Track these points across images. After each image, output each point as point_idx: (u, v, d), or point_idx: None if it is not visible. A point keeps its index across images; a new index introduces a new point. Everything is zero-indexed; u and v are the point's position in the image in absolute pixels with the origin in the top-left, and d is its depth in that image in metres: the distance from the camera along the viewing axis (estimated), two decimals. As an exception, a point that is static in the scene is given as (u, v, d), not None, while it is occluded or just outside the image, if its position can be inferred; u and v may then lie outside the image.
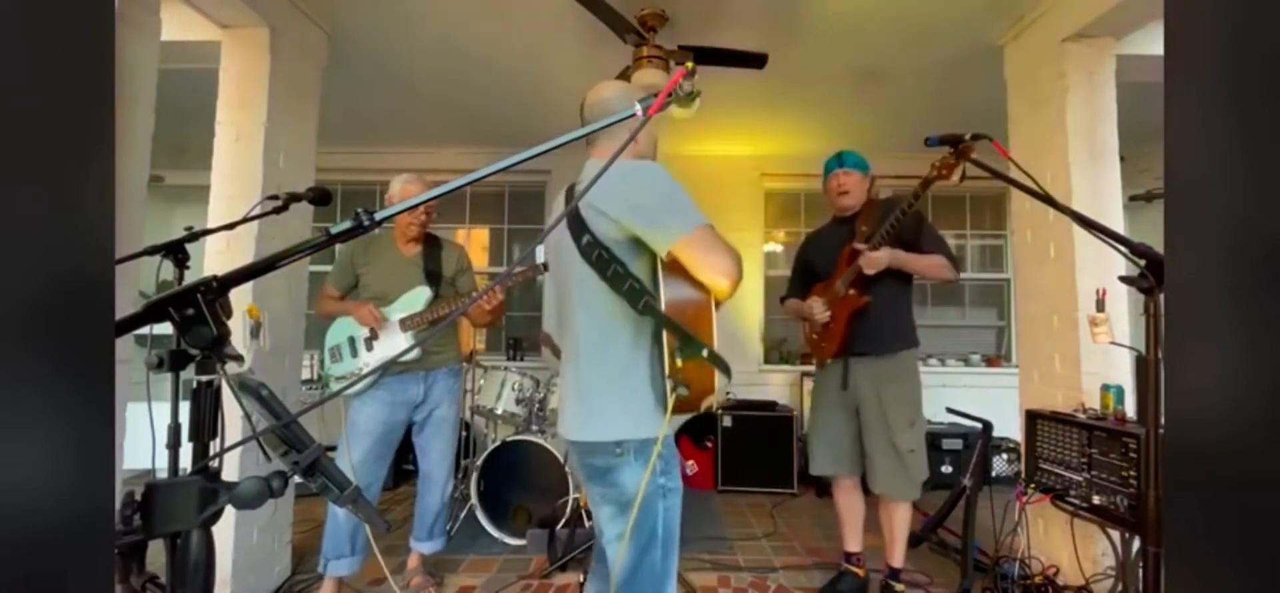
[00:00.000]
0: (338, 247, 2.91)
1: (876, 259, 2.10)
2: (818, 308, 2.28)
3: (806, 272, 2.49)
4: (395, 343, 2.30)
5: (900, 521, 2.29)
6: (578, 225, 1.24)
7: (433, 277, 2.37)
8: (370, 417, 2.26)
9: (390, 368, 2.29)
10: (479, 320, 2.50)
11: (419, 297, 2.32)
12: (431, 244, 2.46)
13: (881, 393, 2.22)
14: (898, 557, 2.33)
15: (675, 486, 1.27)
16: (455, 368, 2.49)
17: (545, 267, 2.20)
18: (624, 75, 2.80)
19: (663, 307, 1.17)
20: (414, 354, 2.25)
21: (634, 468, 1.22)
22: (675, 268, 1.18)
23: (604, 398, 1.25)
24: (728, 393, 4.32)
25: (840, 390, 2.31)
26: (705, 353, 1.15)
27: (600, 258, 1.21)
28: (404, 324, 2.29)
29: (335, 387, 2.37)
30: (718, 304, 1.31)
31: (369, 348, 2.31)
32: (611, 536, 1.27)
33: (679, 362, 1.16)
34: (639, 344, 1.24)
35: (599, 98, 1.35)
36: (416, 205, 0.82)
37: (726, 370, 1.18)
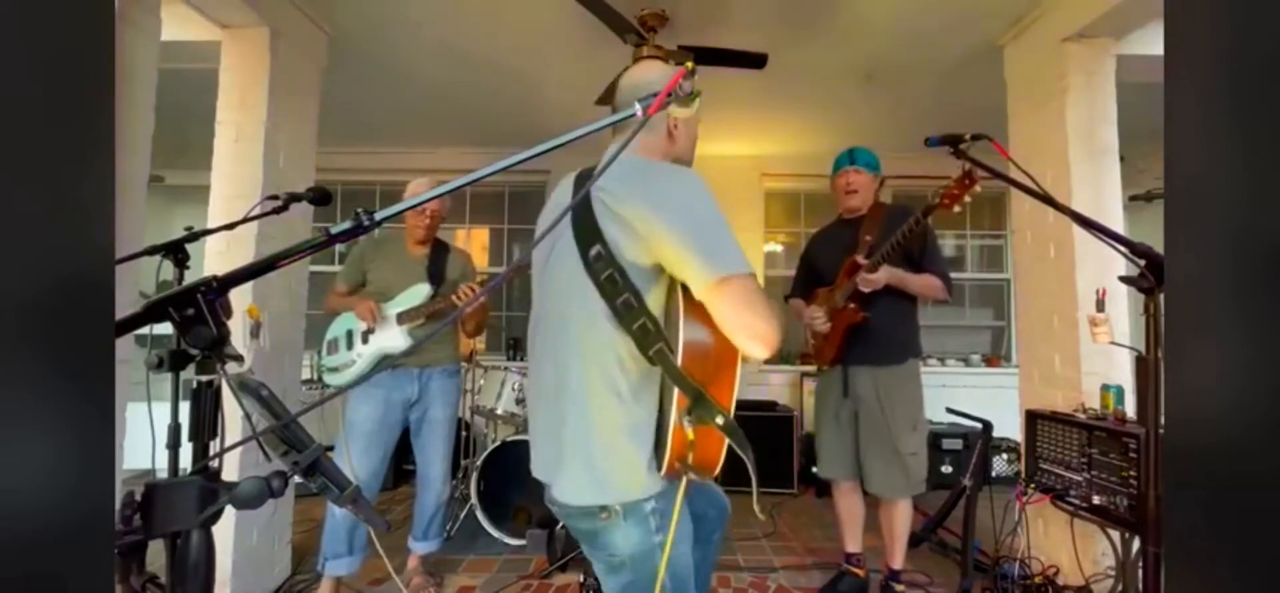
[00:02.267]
0: (339, 247, 2.91)
1: (874, 280, 2.10)
2: (818, 320, 2.29)
3: (810, 272, 2.49)
4: (390, 336, 2.31)
5: (901, 521, 2.29)
6: (590, 232, 1.00)
7: (435, 277, 2.39)
8: (366, 416, 2.28)
9: (384, 364, 2.31)
10: (466, 329, 2.53)
11: (418, 293, 2.34)
12: (439, 248, 2.49)
13: (883, 398, 2.22)
14: (898, 558, 2.32)
15: (679, 536, 1.10)
16: (452, 369, 2.49)
17: None
18: (624, 75, 2.80)
19: (680, 354, 0.96)
20: (407, 344, 2.28)
21: (624, 529, 1.04)
22: (698, 308, 0.96)
23: (591, 453, 1.03)
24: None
25: (841, 396, 2.31)
26: (719, 421, 0.94)
27: (611, 280, 0.98)
28: (401, 318, 2.31)
29: (327, 377, 2.40)
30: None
31: (364, 341, 2.33)
32: (611, 588, 1.12)
33: (690, 433, 0.95)
34: (642, 395, 1.03)
35: (640, 78, 1.17)
36: (414, 206, 0.82)
37: (744, 445, 0.97)
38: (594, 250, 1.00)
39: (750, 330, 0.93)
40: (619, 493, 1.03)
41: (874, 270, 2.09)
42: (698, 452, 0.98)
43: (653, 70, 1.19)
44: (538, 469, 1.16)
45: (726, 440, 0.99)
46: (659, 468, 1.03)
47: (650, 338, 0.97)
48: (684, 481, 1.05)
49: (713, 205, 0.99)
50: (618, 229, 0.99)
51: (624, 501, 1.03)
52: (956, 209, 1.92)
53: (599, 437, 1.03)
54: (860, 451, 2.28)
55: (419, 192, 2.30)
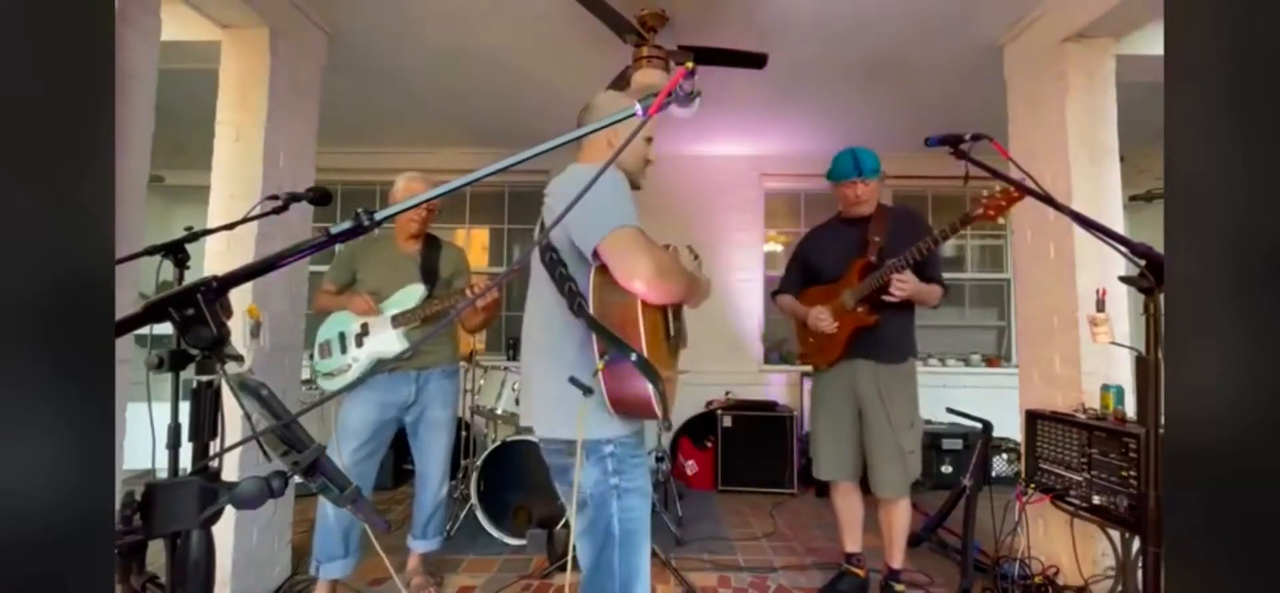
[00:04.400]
0: (337, 246, 2.89)
1: (906, 284, 2.09)
2: (825, 321, 2.25)
3: (805, 269, 2.46)
4: (385, 339, 2.27)
5: (900, 521, 2.29)
6: (541, 229, 1.32)
7: (429, 275, 2.35)
8: (360, 418, 2.24)
9: (381, 368, 2.27)
10: (470, 324, 2.48)
11: (412, 294, 2.30)
12: (431, 244, 2.44)
13: (884, 396, 2.22)
14: (898, 558, 2.33)
15: (633, 486, 1.27)
16: (450, 369, 2.46)
17: None
18: (624, 75, 2.80)
19: (591, 306, 1.19)
20: (403, 347, 2.25)
21: (586, 468, 1.25)
22: (605, 273, 1.20)
23: (556, 397, 1.26)
24: (727, 393, 4.32)
25: (841, 396, 2.31)
26: (633, 358, 1.13)
27: (551, 260, 1.27)
28: (396, 321, 2.27)
29: (322, 382, 2.34)
30: (672, 322, 1.33)
31: (359, 344, 2.29)
32: (576, 531, 1.33)
33: (600, 364, 1.17)
34: (586, 347, 1.24)
35: (593, 104, 1.41)
36: (415, 205, 0.82)
37: (652, 378, 1.14)
38: (545, 242, 1.29)
39: (629, 270, 1.15)
40: (585, 431, 1.23)
41: (902, 271, 2.08)
42: (609, 384, 1.17)
43: (605, 99, 1.42)
44: (525, 415, 1.40)
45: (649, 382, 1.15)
46: (610, 414, 1.22)
47: (574, 297, 1.21)
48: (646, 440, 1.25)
49: (610, 186, 1.21)
50: (558, 228, 1.25)
51: (589, 438, 1.23)
52: (1001, 221, 1.92)
53: (560, 381, 1.23)
54: (866, 452, 2.28)
55: (413, 188, 2.29)
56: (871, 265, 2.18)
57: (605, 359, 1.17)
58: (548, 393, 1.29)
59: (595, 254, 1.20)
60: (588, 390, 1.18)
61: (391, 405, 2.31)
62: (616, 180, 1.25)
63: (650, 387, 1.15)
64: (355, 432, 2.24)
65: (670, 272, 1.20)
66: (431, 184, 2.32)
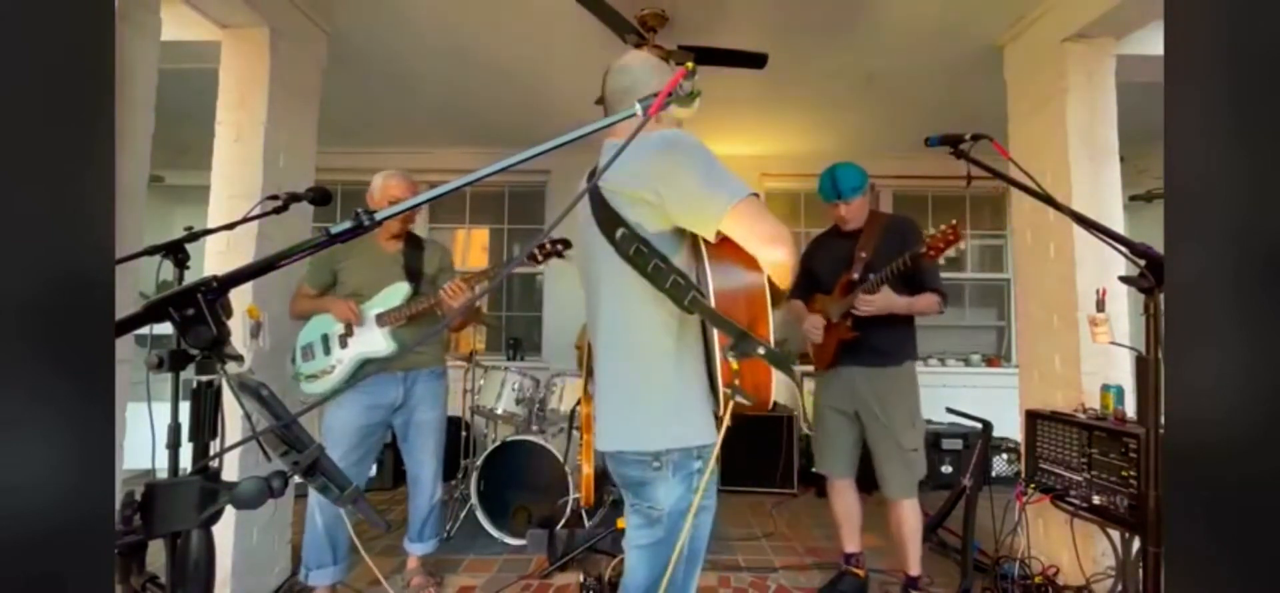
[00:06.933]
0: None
1: (872, 301, 2.14)
2: (815, 332, 2.32)
3: (809, 277, 2.50)
4: (370, 340, 2.23)
5: (909, 523, 2.28)
6: (610, 219, 1.12)
7: (413, 274, 2.32)
8: (345, 422, 2.21)
9: (367, 369, 2.23)
10: (454, 324, 2.46)
11: (397, 292, 2.26)
12: (413, 242, 2.41)
13: (882, 398, 2.24)
14: (914, 564, 2.30)
15: (708, 504, 1.19)
16: (438, 370, 2.44)
17: (561, 243, 2.18)
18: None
19: (712, 299, 1.06)
20: (391, 352, 2.22)
21: (670, 484, 1.14)
22: (723, 253, 1.07)
23: (647, 405, 1.15)
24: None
25: (839, 395, 2.33)
26: (762, 351, 1.00)
27: (639, 252, 1.08)
28: (381, 320, 2.23)
29: (305, 385, 2.28)
30: (775, 299, 1.18)
31: (343, 345, 2.25)
32: (634, 543, 1.21)
33: (734, 364, 1.03)
34: (686, 345, 1.14)
35: (622, 66, 1.27)
36: (417, 206, 0.82)
37: (789, 370, 1.04)
38: (620, 233, 1.10)
39: (768, 237, 1.03)
40: (675, 439, 1.13)
41: (873, 291, 2.13)
42: (746, 379, 1.06)
43: (636, 61, 1.27)
44: (601, 437, 1.24)
45: (772, 371, 1.06)
46: (714, 419, 1.13)
47: (683, 291, 1.05)
48: (715, 452, 1.13)
49: (705, 152, 1.10)
50: (635, 210, 1.11)
51: (680, 447, 1.13)
52: (941, 261, 2.02)
53: (658, 390, 1.14)
54: (872, 456, 2.29)
55: (391, 185, 2.26)
56: (854, 281, 2.22)
57: (736, 355, 1.02)
58: (645, 402, 1.15)
59: (701, 238, 1.07)
60: (737, 393, 1.05)
61: (379, 408, 2.28)
62: (700, 146, 1.11)
63: (778, 377, 1.06)
64: (342, 437, 2.20)
65: (789, 234, 1.07)
66: (409, 180, 2.32)
